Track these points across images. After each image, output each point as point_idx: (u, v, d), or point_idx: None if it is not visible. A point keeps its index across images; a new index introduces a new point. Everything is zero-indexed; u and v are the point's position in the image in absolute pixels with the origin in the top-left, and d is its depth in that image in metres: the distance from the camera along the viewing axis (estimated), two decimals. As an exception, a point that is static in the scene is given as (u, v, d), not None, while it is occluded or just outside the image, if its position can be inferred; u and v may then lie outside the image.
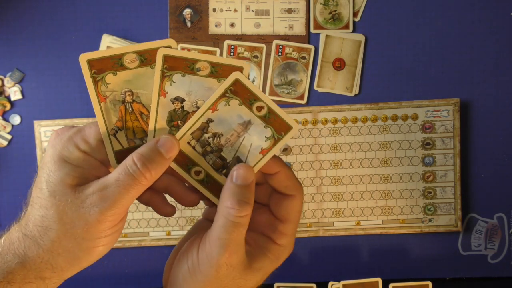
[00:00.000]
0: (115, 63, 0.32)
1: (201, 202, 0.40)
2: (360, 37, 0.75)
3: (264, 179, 0.38)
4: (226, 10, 0.75)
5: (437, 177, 0.75)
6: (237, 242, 0.35)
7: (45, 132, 0.75)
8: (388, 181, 0.76)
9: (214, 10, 0.75)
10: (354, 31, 0.75)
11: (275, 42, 0.75)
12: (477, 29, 0.75)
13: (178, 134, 0.35)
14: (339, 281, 0.75)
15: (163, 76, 0.33)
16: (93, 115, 0.75)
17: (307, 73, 0.75)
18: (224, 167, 0.36)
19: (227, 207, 0.34)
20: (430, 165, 0.75)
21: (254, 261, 0.37)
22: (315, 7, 0.75)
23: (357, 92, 0.76)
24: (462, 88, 0.76)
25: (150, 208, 0.41)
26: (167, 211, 0.41)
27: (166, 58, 0.32)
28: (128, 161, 0.34)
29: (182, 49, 0.75)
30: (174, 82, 0.33)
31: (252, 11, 0.75)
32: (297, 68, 0.75)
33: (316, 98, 0.76)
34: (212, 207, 0.41)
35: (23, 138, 0.76)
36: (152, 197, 0.40)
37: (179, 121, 0.34)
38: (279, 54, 0.75)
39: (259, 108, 0.33)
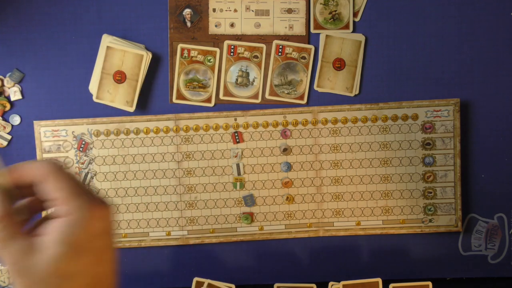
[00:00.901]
0: None
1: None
2: (360, 37, 0.75)
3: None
4: (226, 10, 0.75)
5: (437, 177, 0.75)
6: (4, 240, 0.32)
7: (45, 132, 0.75)
8: (388, 181, 0.76)
9: (214, 10, 0.75)
10: (354, 31, 0.75)
11: (275, 42, 0.75)
12: (477, 29, 0.75)
13: None
14: (339, 281, 0.75)
15: None
16: (93, 115, 0.75)
17: (307, 73, 0.75)
18: None
19: None
20: (430, 165, 0.75)
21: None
22: (315, 7, 0.75)
23: (357, 92, 0.76)
24: (462, 88, 0.76)
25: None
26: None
27: None
28: None
29: (183, 49, 0.75)
30: None
31: (252, 11, 0.75)
32: (297, 68, 0.75)
33: (316, 98, 0.76)
34: None
35: (23, 138, 0.76)
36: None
37: None
38: (279, 54, 0.75)
39: None
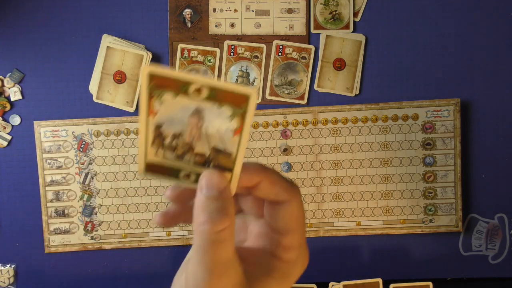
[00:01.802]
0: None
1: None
2: (361, 37, 0.75)
3: (248, 191, 0.32)
4: (226, 10, 0.75)
5: (438, 177, 0.75)
6: (222, 262, 0.29)
7: (45, 132, 0.75)
8: (389, 181, 0.76)
9: (214, 10, 0.75)
10: (354, 31, 0.75)
11: (275, 42, 0.75)
12: (477, 29, 0.75)
13: (139, 156, 0.31)
14: (339, 281, 0.75)
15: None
16: (93, 116, 0.75)
17: (307, 73, 0.75)
18: (206, 162, 0.31)
19: (200, 224, 0.29)
20: (430, 165, 0.75)
21: (256, 284, 0.31)
22: (315, 7, 0.75)
23: (357, 92, 0.76)
24: (462, 88, 0.76)
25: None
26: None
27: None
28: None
29: (183, 49, 0.75)
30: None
31: (252, 11, 0.75)
32: (297, 68, 0.75)
33: (316, 98, 0.76)
34: None
35: (23, 138, 0.75)
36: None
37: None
38: (279, 54, 0.75)
39: (198, 91, 0.28)
